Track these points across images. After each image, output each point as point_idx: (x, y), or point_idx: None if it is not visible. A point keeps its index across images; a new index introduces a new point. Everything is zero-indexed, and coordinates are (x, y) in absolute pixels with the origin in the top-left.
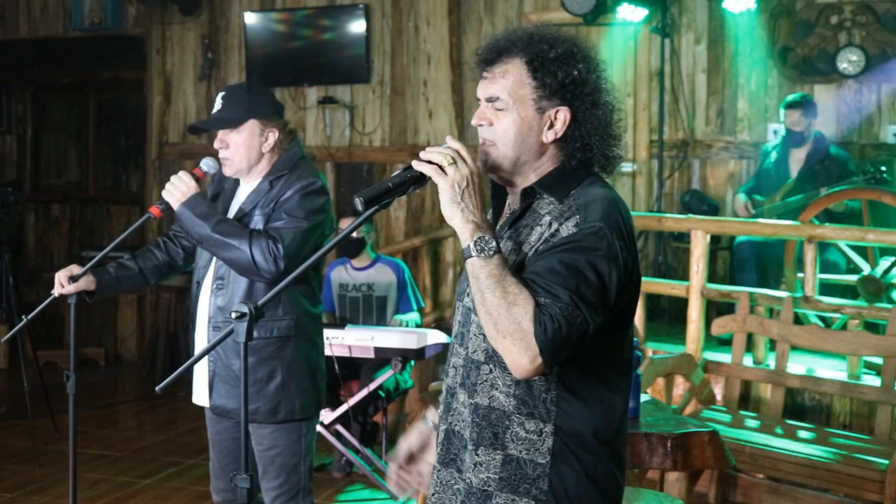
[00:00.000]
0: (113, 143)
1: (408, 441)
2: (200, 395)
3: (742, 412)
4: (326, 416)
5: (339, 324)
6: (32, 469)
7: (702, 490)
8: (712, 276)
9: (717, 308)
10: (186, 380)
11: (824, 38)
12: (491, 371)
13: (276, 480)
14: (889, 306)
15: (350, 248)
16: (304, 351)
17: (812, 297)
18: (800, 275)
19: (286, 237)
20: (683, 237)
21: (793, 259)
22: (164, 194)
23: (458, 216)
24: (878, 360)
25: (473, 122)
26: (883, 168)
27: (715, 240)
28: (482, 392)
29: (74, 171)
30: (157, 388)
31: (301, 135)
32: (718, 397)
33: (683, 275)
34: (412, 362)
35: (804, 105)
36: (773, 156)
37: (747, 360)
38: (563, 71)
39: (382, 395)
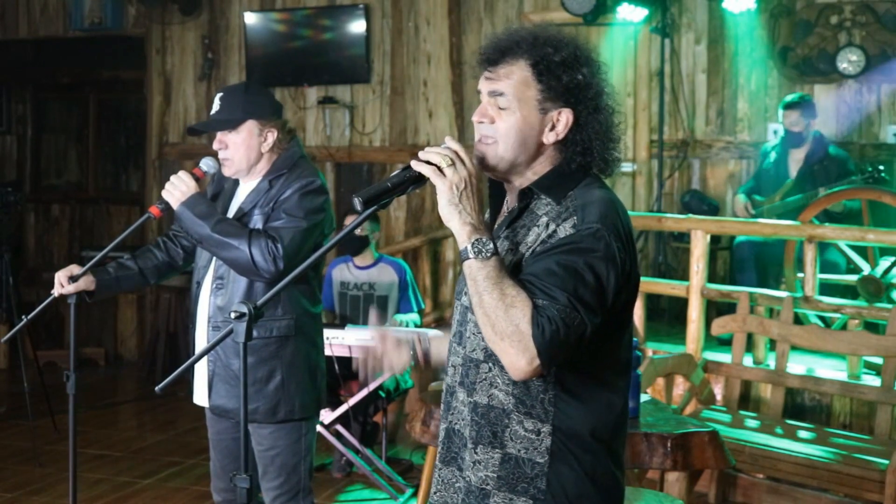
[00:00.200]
0: (113, 143)
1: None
2: (200, 395)
3: (742, 412)
4: (326, 416)
5: (339, 323)
6: (32, 469)
7: (702, 490)
8: (712, 276)
9: (717, 308)
10: (186, 380)
11: (824, 38)
12: (490, 369)
13: (276, 480)
14: (889, 306)
15: (353, 247)
16: (303, 350)
17: (812, 297)
18: (800, 275)
19: (285, 237)
20: (683, 237)
21: (793, 259)
22: (164, 194)
23: (456, 218)
24: (878, 360)
25: (474, 118)
26: (882, 168)
27: (715, 240)
28: (481, 390)
29: (74, 171)
30: (157, 388)
31: (301, 135)
32: (718, 397)
33: (683, 275)
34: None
35: (803, 105)
36: (773, 156)
37: (747, 360)
38: (568, 75)
39: (382, 395)
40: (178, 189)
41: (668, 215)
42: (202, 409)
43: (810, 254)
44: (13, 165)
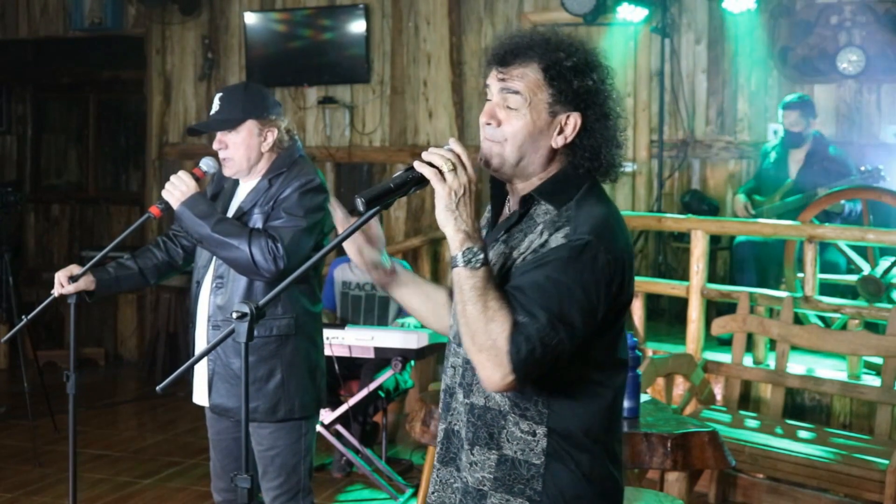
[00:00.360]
0: (113, 143)
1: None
2: (200, 395)
3: (742, 412)
4: (326, 416)
5: (339, 323)
6: (32, 469)
7: (702, 490)
8: (712, 276)
9: (717, 308)
10: (186, 380)
11: (824, 38)
12: None
13: (276, 480)
14: (889, 306)
15: None
16: (303, 349)
17: (812, 297)
18: (800, 275)
19: (285, 236)
20: (683, 237)
21: (793, 259)
22: (164, 194)
23: (451, 224)
24: (878, 360)
25: (482, 118)
26: (882, 167)
27: (715, 240)
28: (478, 392)
29: (74, 171)
30: (157, 388)
31: (301, 135)
32: (718, 397)
33: (683, 275)
34: (412, 362)
35: (802, 105)
36: (773, 156)
37: (747, 360)
38: (579, 79)
39: (382, 395)
40: (178, 189)
41: (668, 215)
42: (202, 408)
43: (810, 254)
44: (13, 165)
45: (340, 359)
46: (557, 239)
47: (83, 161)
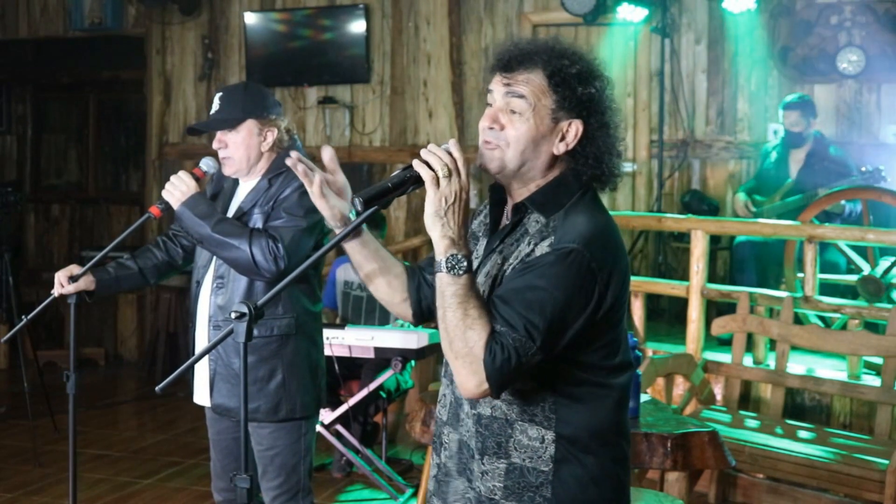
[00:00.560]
0: (113, 143)
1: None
2: (201, 395)
3: (742, 412)
4: (326, 416)
5: (340, 323)
6: (32, 469)
7: (702, 490)
8: (712, 276)
9: (717, 308)
10: (186, 380)
11: (824, 38)
12: None
13: (276, 480)
14: (889, 306)
15: None
16: (304, 349)
17: (812, 297)
18: (800, 275)
19: (286, 236)
20: (683, 237)
21: (793, 259)
22: (164, 194)
23: (438, 229)
24: (878, 360)
25: (484, 122)
26: (882, 167)
27: (715, 240)
28: (484, 401)
29: (74, 171)
30: (157, 388)
31: (301, 135)
32: (718, 397)
33: (683, 275)
34: (412, 362)
35: (802, 105)
36: (773, 156)
37: (747, 360)
38: (582, 87)
39: (383, 395)
40: (178, 189)
41: (668, 215)
42: (202, 408)
43: (810, 254)
44: (13, 165)
45: (340, 359)
46: (543, 248)
47: (83, 161)
